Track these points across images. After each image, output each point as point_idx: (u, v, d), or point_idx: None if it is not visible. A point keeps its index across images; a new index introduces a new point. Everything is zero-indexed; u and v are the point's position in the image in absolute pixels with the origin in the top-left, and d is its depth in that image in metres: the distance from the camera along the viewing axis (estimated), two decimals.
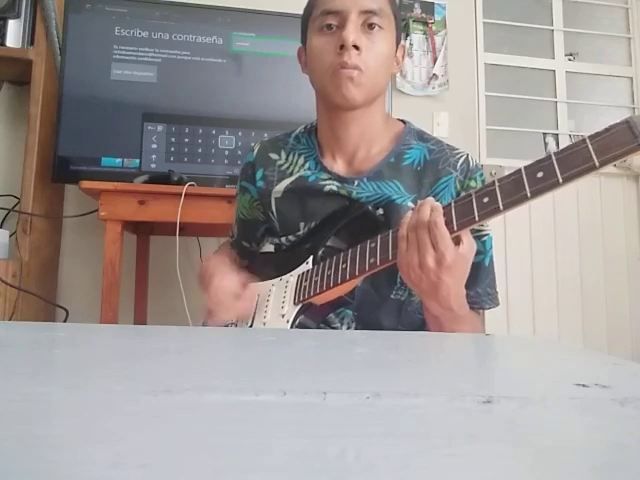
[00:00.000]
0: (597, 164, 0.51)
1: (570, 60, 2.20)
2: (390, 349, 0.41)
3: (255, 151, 0.88)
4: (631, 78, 2.22)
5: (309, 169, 0.82)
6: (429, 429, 0.20)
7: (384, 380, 0.28)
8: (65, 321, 1.47)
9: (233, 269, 0.83)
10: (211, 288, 0.76)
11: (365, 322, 0.77)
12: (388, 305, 0.78)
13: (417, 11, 1.99)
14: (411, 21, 1.97)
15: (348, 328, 0.78)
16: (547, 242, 2.04)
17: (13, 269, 1.34)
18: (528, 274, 2.01)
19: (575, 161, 0.52)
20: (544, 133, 2.14)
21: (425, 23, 2.00)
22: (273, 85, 1.56)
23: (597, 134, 0.52)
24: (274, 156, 0.86)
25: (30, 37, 1.47)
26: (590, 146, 0.52)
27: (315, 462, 0.16)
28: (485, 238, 0.77)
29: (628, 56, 2.24)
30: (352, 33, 0.71)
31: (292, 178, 0.82)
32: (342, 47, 0.71)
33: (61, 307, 1.47)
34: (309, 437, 0.18)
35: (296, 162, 0.84)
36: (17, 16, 1.44)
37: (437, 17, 2.01)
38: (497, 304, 0.80)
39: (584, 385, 0.26)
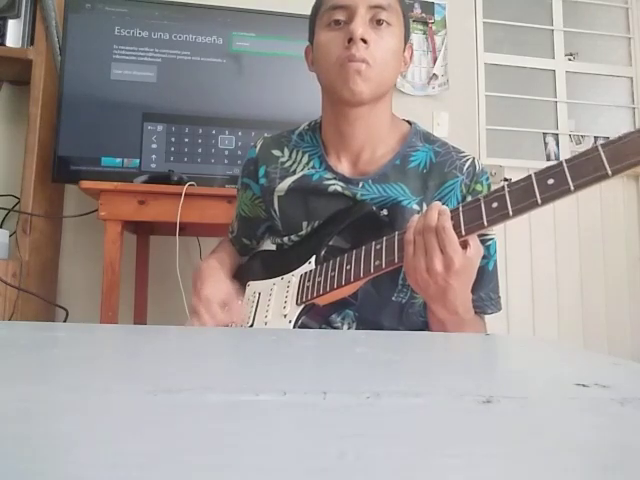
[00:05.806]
0: (610, 172, 0.50)
1: (570, 60, 2.20)
2: (390, 349, 0.41)
3: (258, 147, 0.87)
4: (631, 78, 2.22)
5: (313, 168, 0.81)
6: (429, 429, 0.20)
7: (384, 380, 0.28)
8: (65, 321, 1.47)
9: (226, 277, 0.82)
10: (202, 292, 0.76)
11: (366, 323, 0.77)
12: (389, 307, 0.78)
13: (417, 11, 1.99)
14: (411, 21, 1.97)
15: (349, 328, 0.77)
16: (547, 242, 2.04)
17: (13, 269, 1.34)
18: (528, 274, 2.01)
19: (587, 169, 0.51)
20: (544, 133, 2.14)
21: (425, 23, 2.00)
22: (273, 85, 1.56)
23: (609, 142, 0.51)
24: (277, 153, 0.85)
25: (30, 37, 1.47)
26: (602, 154, 0.51)
27: (315, 462, 0.16)
28: (489, 243, 0.77)
29: (628, 56, 2.24)
30: (360, 26, 0.70)
31: (295, 176, 0.81)
32: (350, 40, 0.70)
33: (61, 307, 1.47)
34: (309, 437, 0.18)
35: (300, 160, 0.83)
36: (17, 16, 1.44)
37: (437, 17, 2.02)
38: (499, 309, 0.79)
39: (584, 385, 0.26)
